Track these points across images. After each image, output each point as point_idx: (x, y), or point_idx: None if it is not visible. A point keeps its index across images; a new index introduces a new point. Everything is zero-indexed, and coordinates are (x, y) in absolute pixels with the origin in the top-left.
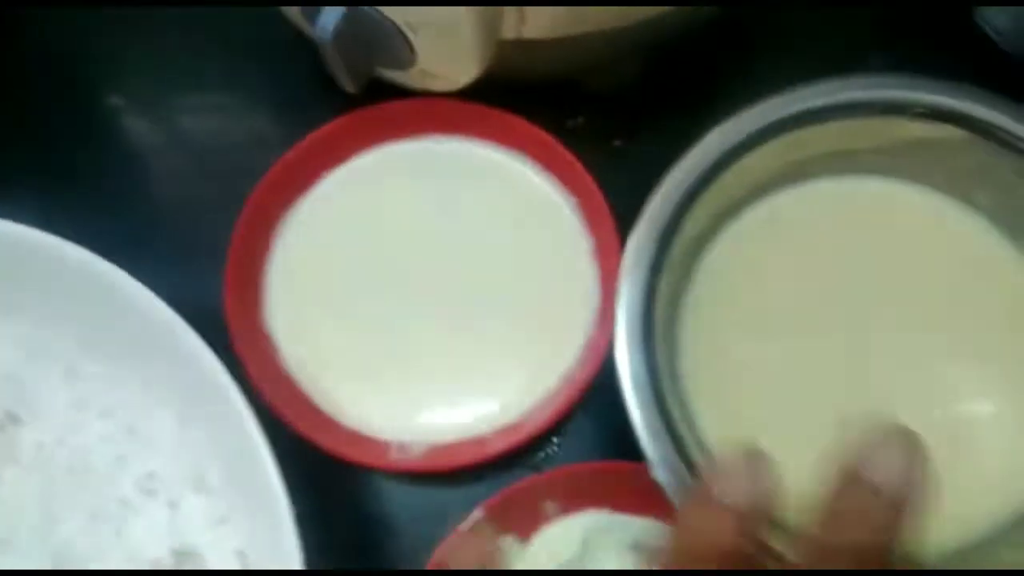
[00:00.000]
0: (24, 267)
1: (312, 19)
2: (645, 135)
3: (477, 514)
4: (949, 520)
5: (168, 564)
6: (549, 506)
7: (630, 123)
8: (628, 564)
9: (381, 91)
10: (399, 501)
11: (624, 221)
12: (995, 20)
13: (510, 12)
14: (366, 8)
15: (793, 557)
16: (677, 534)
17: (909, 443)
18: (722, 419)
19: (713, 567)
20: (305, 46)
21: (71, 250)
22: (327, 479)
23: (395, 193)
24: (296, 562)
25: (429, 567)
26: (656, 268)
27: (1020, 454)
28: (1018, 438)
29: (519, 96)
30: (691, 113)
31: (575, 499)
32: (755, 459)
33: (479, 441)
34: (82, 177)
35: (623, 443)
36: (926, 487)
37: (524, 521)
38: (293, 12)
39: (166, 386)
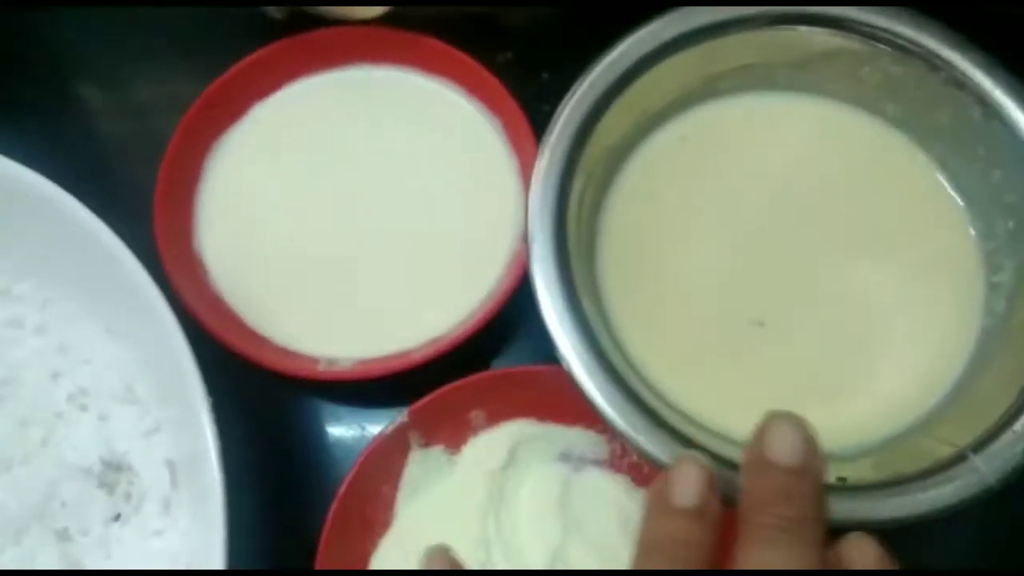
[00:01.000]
0: None
1: None
2: (571, 68)
3: (401, 418)
4: (871, 414)
5: (98, 471)
6: (476, 416)
7: (556, 56)
8: (555, 474)
9: (307, 23)
10: (328, 415)
11: None
12: None
13: None
14: None
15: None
16: (644, 534)
17: (795, 420)
18: (637, 321)
19: (681, 553)
20: None
21: (4, 165)
22: (258, 394)
23: (324, 120)
24: (215, 470)
25: (351, 477)
26: (568, 172)
27: (934, 346)
28: (931, 331)
29: (448, 32)
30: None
31: (502, 408)
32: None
33: (405, 354)
34: (28, 109)
35: (550, 354)
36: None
37: (452, 432)
38: None
39: (98, 303)
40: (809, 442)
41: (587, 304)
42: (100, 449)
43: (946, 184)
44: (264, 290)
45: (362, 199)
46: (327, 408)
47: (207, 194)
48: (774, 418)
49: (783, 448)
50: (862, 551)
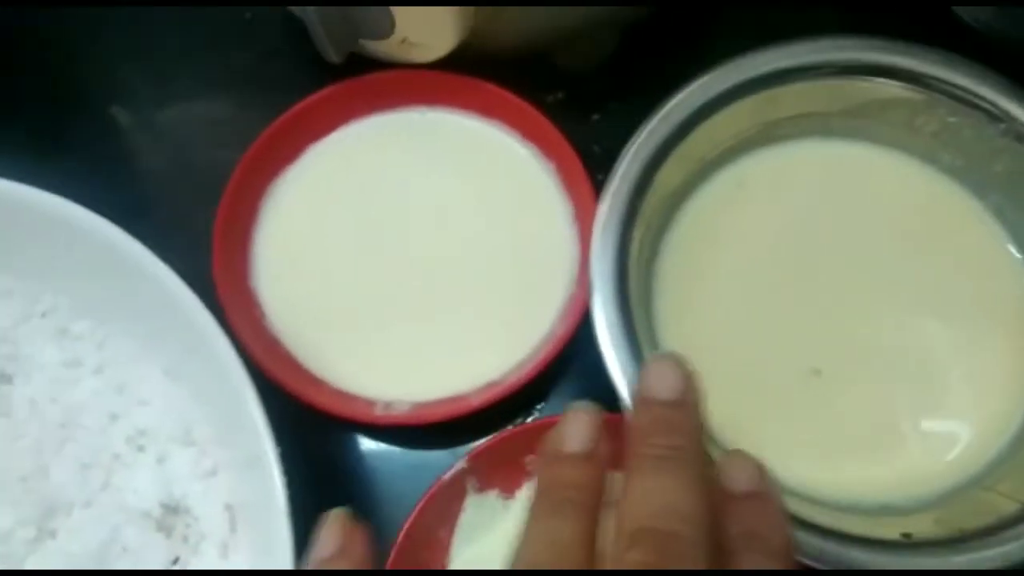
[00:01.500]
0: (16, 224)
1: None
2: (621, 110)
3: (460, 464)
4: (930, 465)
5: (157, 515)
6: (531, 461)
7: (607, 98)
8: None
9: (363, 65)
10: (384, 458)
11: (601, 188)
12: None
13: None
14: None
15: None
16: (537, 483)
17: (672, 359)
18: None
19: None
20: (290, 24)
21: (63, 205)
22: (314, 438)
23: (379, 162)
24: (283, 514)
25: (410, 524)
26: (629, 221)
27: (994, 398)
28: (991, 383)
29: (501, 72)
30: (665, 87)
31: None
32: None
33: (461, 398)
34: (81, 146)
35: (605, 401)
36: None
37: (507, 477)
38: None
39: (156, 343)
40: (686, 378)
41: (647, 347)
42: (159, 492)
43: (1003, 235)
44: (320, 332)
45: (417, 242)
46: (383, 451)
47: (263, 234)
48: (653, 358)
49: (661, 384)
50: (742, 464)
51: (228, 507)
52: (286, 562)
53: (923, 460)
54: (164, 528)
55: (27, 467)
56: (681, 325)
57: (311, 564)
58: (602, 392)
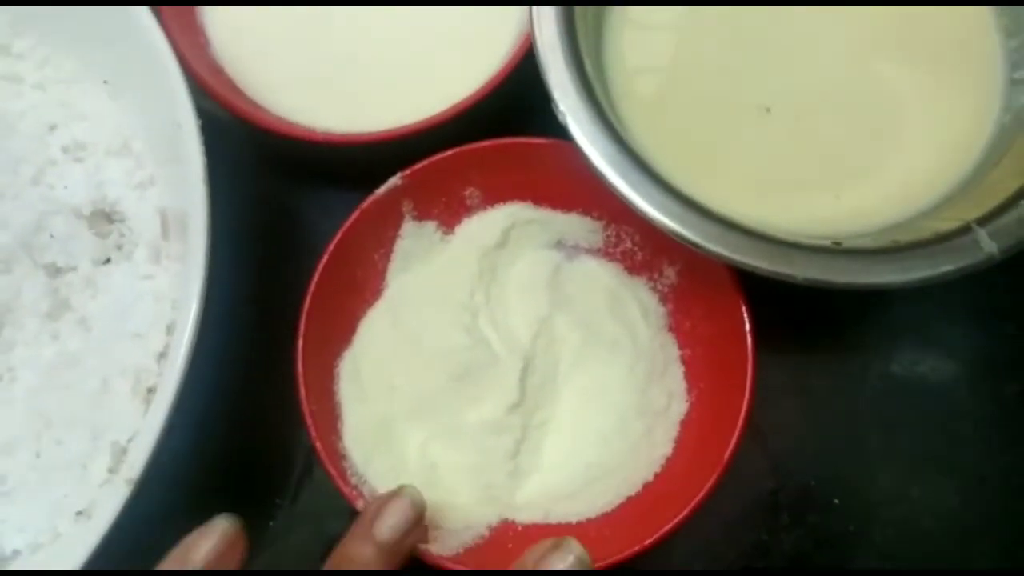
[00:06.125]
0: None
1: None
2: None
3: (394, 180)
4: (880, 199)
5: (88, 214)
6: (472, 194)
7: None
8: (548, 258)
9: None
10: (322, 186)
11: None
12: None
13: None
14: None
15: None
16: (333, 559)
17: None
18: (645, 100)
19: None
20: None
21: None
22: (252, 164)
23: None
24: (201, 215)
25: (341, 234)
26: None
27: (950, 137)
28: (947, 120)
29: None
30: None
31: (499, 188)
32: (403, 499)
33: (406, 123)
34: None
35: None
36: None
37: (447, 209)
38: None
39: (99, 57)
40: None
41: (596, 88)
42: (92, 194)
43: None
44: (264, 63)
45: None
46: (321, 179)
47: None
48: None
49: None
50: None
51: (161, 213)
52: (199, 264)
53: (871, 194)
54: (96, 230)
55: None
56: (632, 56)
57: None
58: (552, 124)
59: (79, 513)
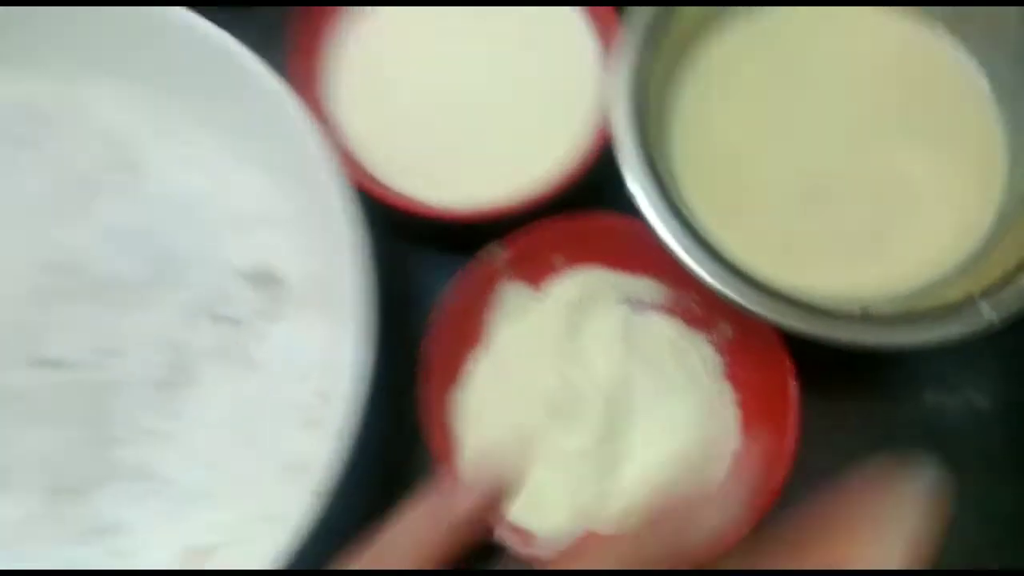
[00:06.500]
0: (136, 30)
1: None
2: None
3: (493, 247)
4: (900, 270)
5: (251, 276)
6: (558, 259)
7: None
8: (620, 312)
9: None
10: (432, 254)
11: None
12: None
13: None
14: None
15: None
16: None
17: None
18: (702, 184)
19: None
20: None
21: (174, 14)
22: (379, 233)
23: (443, 9)
24: (355, 275)
25: (452, 292)
26: (648, 51)
27: (959, 215)
28: (957, 203)
29: None
30: None
31: (580, 254)
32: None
33: (503, 203)
34: None
35: (625, 209)
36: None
37: (538, 271)
38: None
39: (257, 144)
40: None
41: (662, 169)
42: (257, 258)
43: (977, 71)
44: (385, 146)
45: (473, 73)
46: (438, 249)
47: (337, 62)
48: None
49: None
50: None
51: (308, 274)
52: (352, 324)
53: (893, 267)
54: (257, 287)
55: (154, 230)
56: (692, 149)
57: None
58: (623, 201)
59: (268, 517)
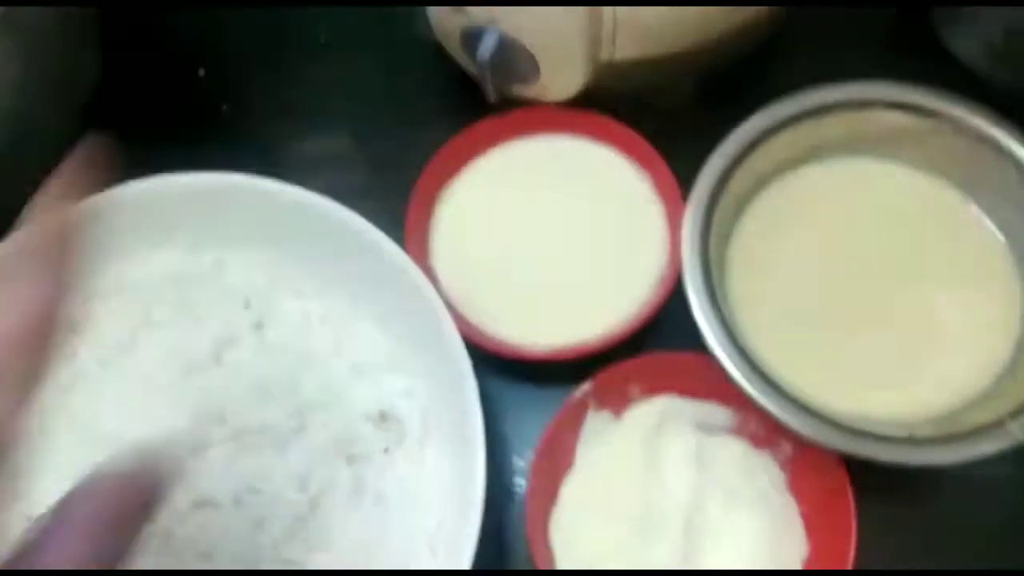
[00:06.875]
0: (266, 211)
1: (473, 47)
2: (699, 136)
3: (585, 387)
4: (934, 395)
5: (375, 417)
6: (635, 389)
7: (688, 128)
8: (693, 436)
9: (509, 101)
10: (526, 388)
11: (686, 193)
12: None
13: (607, 40)
14: (511, 37)
15: None
16: None
17: None
18: (758, 324)
19: None
20: (451, 72)
21: (304, 195)
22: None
23: (522, 174)
24: (477, 419)
25: (552, 427)
26: (708, 217)
27: (983, 347)
28: (981, 336)
29: (611, 107)
30: (732, 119)
31: (655, 384)
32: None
33: (586, 343)
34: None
35: (691, 344)
36: None
37: (618, 401)
38: (454, 44)
39: (369, 294)
40: None
41: (724, 310)
42: (375, 400)
43: (993, 227)
44: (480, 296)
45: (550, 231)
46: (524, 382)
47: (439, 223)
48: None
49: None
50: None
51: (423, 414)
52: (477, 456)
53: (928, 392)
54: (380, 427)
55: (287, 380)
56: (748, 292)
57: None
58: (687, 339)
59: None
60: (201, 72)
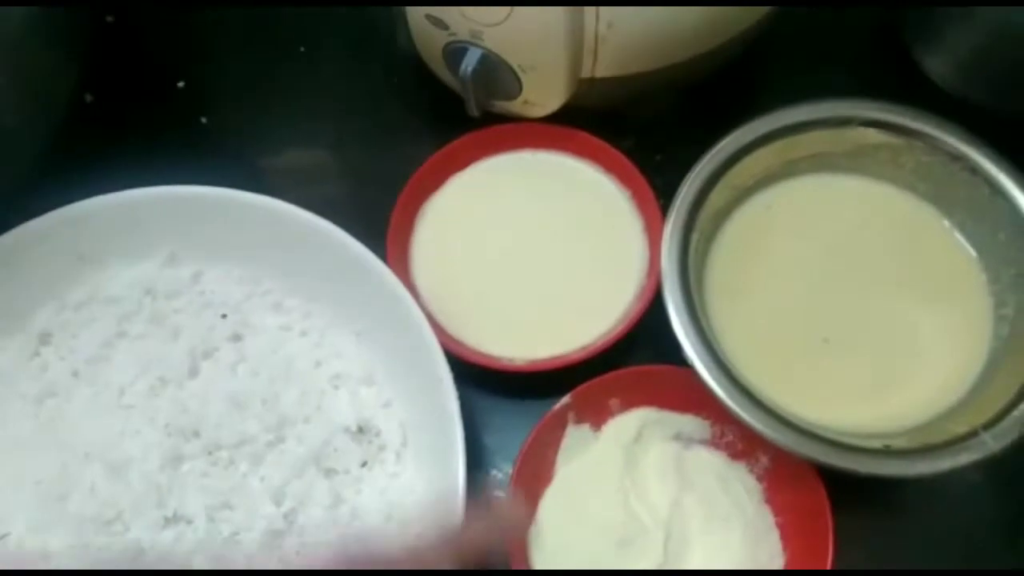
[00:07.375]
0: (245, 223)
1: (456, 63)
2: (678, 151)
3: (564, 400)
4: (909, 406)
5: (353, 430)
6: (614, 403)
7: (667, 142)
8: (671, 448)
9: (491, 117)
10: (506, 401)
11: (665, 209)
12: (937, 69)
13: (588, 57)
14: (494, 54)
15: None
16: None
17: None
18: (737, 338)
19: None
20: (431, 88)
21: (284, 208)
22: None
23: (503, 188)
24: (456, 427)
25: (530, 441)
26: (687, 231)
27: (956, 360)
28: (954, 349)
29: (590, 123)
30: (712, 134)
31: (633, 398)
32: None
33: (565, 355)
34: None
35: (670, 358)
36: None
37: (597, 415)
38: (436, 60)
39: (349, 309)
40: None
41: (703, 323)
42: (353, 413)
43: (964, 242)
44: (461, 309)
45: (529, 244)
46: (504, 395)
47: (419, 238)
48: None
49: None
50: None
51: (401, 426)
52: (455, 467)
53: (903, 403)
54: (358, 440)
55: (264, 393)
56: (726, 306)
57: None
58: (665, 352)
59: None
60: (181, 84)
